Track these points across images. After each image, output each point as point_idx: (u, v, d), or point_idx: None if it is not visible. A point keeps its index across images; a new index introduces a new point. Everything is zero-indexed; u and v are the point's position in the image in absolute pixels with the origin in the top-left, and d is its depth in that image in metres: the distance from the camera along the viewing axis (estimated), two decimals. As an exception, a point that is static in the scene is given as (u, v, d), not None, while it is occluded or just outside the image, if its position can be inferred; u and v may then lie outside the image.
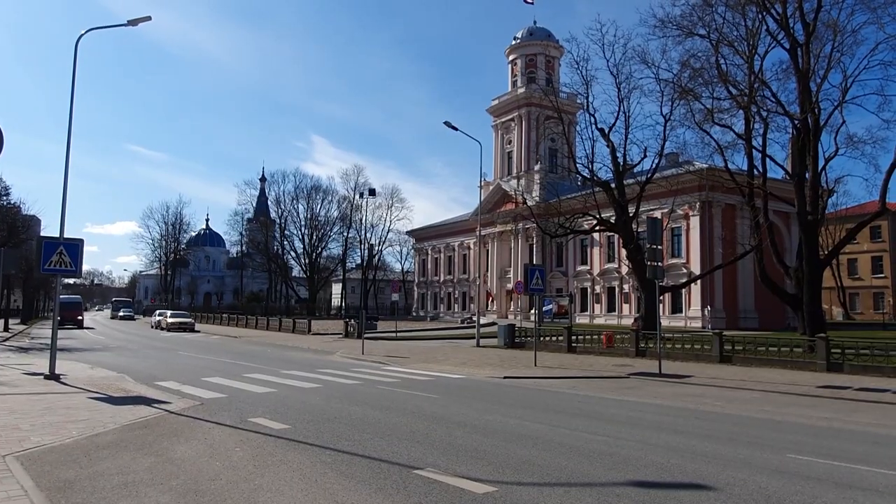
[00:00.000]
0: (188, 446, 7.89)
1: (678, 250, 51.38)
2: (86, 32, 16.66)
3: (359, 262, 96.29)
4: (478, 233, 45.52)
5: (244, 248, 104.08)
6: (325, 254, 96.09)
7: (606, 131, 33.75)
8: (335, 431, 8.98)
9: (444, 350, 27.79)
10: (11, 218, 42.63)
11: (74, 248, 14.65)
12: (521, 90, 71.21)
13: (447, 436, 8.82)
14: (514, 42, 75.09)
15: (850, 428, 10.43)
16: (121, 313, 79.16)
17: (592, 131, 34.46)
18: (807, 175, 25.62)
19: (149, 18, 16.83)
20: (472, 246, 75.79)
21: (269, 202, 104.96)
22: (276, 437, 8.55)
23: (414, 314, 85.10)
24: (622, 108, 33.33)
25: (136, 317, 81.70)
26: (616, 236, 46.22)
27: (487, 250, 71.86)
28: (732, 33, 27.50)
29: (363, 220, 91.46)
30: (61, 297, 46.24)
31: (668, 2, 32.60)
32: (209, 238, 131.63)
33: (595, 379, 17.51)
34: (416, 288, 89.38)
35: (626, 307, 55.77)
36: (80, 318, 52.95)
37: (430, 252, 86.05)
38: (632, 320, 44.88)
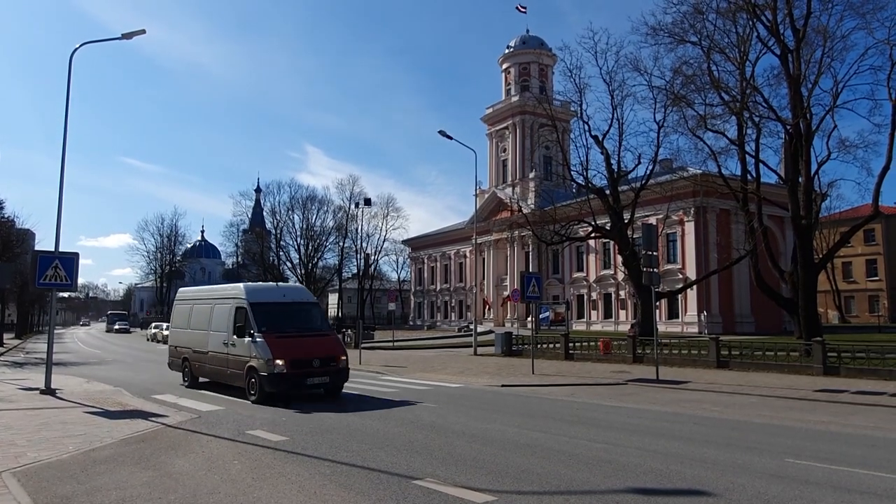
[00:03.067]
0: (186, 460, 7.86)
1: (673, 256, 51.47)
2: (80, 46, 16.69)
3: (355, 271, 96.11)
4: (474, 241, 45.57)
5: (240, 259, 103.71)
6: (321, 264, 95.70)
7: (600, 138, 33.97)
8: (333, 443, 8.95)
9: (442, 359, 27.75)
10: (6, 232, 42.50)
11: (70, 261, 14.63)
12: (515, 98, 71.42)
13: (446, 445, 8.80)
14: (507, 51, 75.41)
15: (848, 431, 10.44)
16: (116, 326, 78.76)
17: (586, 138, 34.69)
18: (800, 179, 25.81)
19: (143, 32, 16.85)
20: (468, 254, 75.77)
21: (264, 213, 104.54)
22: (274, 449, 8.53)
23: (411, 323, 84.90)
24: (616, 115, 33.57)
25: (131, 330, 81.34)
26: (612, 243, 46.29)
27: (483, 258, 71.88)
28: (724, 40, 27.79)
29: (359, 230, 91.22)
30: (285, 286, 18.51)
31: (660, 10, 32.99)
32: (205, 250, 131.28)
33: (593, 386, 17.50)
34: (412, 297, 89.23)
35: (622, 313, 55.79)
36: (342, 358, 14.53)
37: (426, 261, 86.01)
38: (628, 327, 44.86)
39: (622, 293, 55.84)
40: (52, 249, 15.28)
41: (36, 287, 15.15)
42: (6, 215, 44.65)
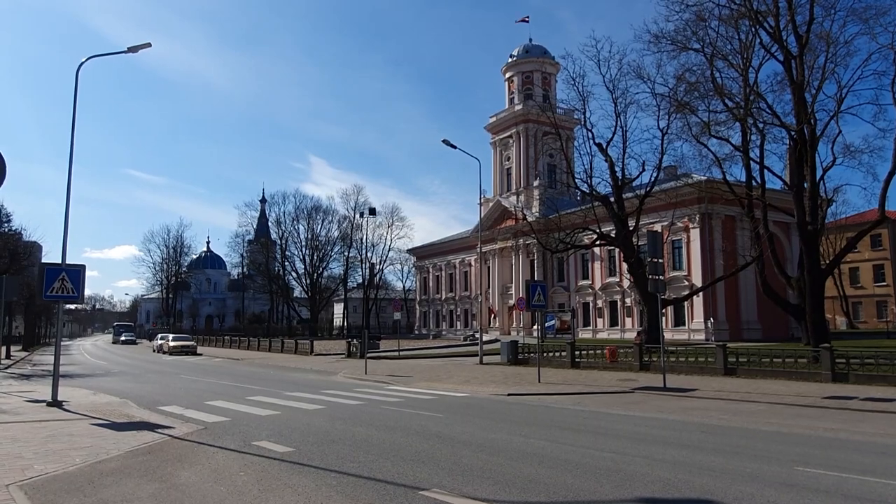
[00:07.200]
0: (192, 471, 7.85)
1: (679, 263, 51.32)
2: (86, 60, 16.79)
3: (360, 281, 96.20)
4: (478, 249, 45.50)
5: (245, 269, 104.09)
6: (326, 274, 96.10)
7: (604, 146, 33.94)
8: (340, 453, 8.93)
9: (448, 368, 27.68)
10: (13, 245, 42.70)
11: (76, 273, 14.65)
12: (519, 107, 71.60)
13: (452, 455, 8.77)
14: (510, 60, 75.68)
15: (857, 439, 10.36)
16: (122, 338, 78.93)
17: (590, 146, 34.68)
18: (805, 185, 25.70)
19: (149, 45, 16.98)
20: (473, 263, 75.77)
21: (269, 223, 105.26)
22: (280, 460, 8.51)
23: (416, 332, 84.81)
24: (619, 122, 33.56)
25: (137, 341, 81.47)
26: (617, 250, 46.23)
27: (488, 267, 71.81)
28: (726, 47, 27.76)
29: (364, 240, 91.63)
30: None
31: (662, 18, 32.98)
32: (210, 260, 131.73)
33: (599, 394, 17.42)
34: (417, 306, 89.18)
35: (628, 321, 55.60)
36: None
37: (431, 270, 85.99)
38: (634, 334, 44.68)
39: (628, 300, 55.68)
40: (59, 261, 15.35)
41: (43, 299, 15.17)
42: (13, 228, 44.93)
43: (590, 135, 34.50)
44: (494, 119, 76.30)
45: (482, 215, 60.88)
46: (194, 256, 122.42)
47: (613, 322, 57.59)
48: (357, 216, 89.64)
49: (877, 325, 62.12)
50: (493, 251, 71.44)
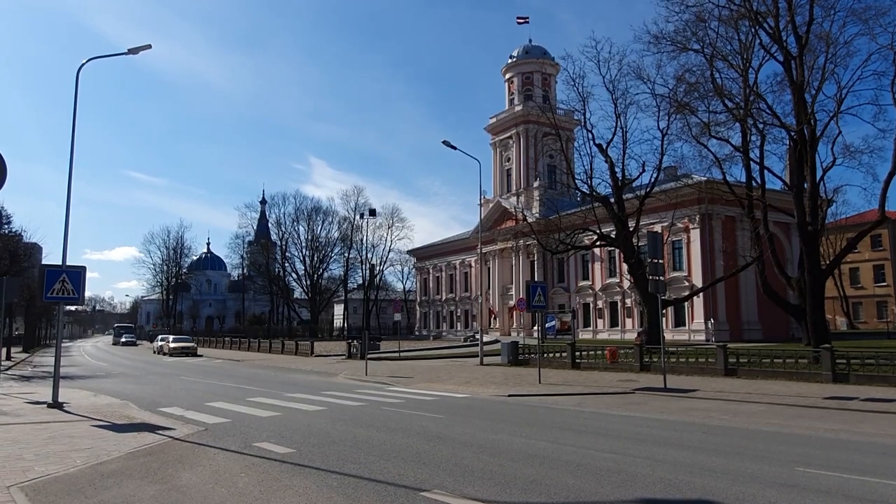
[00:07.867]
0: (193, 473, 7.85)
1: (679, 263, 51.32)
2: (87, 62, 16.78)
3: (360, 282, 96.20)
4: (479, 250, 45.52)
5: (245, 270, 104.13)
6: (326, 275, 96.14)
7: (604, 147, 33.93)
8: (341, 454, 8.93)
9: (448, 369, 27.68)
10: (13, 246, 42.68)
11: (77, 275, 14.65)
12: (519, 108, 71.65)
13: (453, 456, 8.77)
14: (510, 60, 75.75)
15: (858, 439, 10.36)
16: (123, 339, 78.93)
17: (590, 147, 34.68)
18: (805, 185, 25.69)
19: (149, 47, 16.98)
20: (473, 264, 75.79)
21: (269, 224, 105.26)
22: (281, 461, 8.51)
23: (417, 333, 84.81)
24: (619, 123, 33.54)
25: (138, 342, 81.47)
26: (617, 251, 46.22)
27: (489, 268, 71.83)
28: (726, 47, 27.74)
29: (364, 241, 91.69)
30: None
31: (662, 18, 32.93)
32: (210, 262, 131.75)
33: (600, 395, 17.42)
34: (418, 307, 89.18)
35: (628, 322, 55.62)
36: None
37: (431, 271, 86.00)
38: (634, 335, 44.70)
39: (628, 301, 55.69)
40: (59, 263, 15.34)
41: (43, 301, 15.18)
42: (14, 230, 44.92)
43: (590, 135, 34.53)
44: (494, 120, 76.35)
45: (482, 216, 60.95)
46: (194, 258, 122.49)
47: (614, 323, 57.59)
48: (357, 217, 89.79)
49: (877, 326, 62.08)
50: (493, 252, 71.44)
